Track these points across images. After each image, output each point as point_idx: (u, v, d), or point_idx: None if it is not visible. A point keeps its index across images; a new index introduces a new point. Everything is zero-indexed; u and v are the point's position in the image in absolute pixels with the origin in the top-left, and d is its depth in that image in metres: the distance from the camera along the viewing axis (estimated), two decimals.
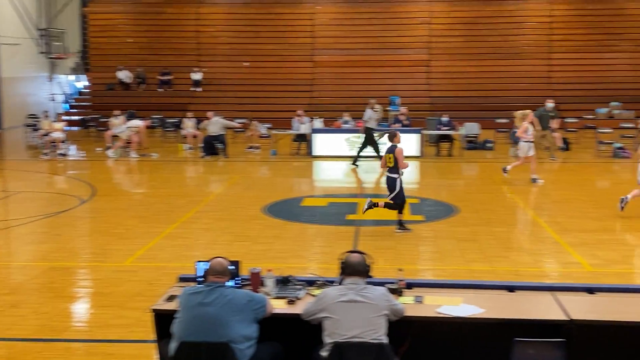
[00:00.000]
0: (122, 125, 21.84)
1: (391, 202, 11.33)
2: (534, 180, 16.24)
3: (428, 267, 9.97)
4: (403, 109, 23.28)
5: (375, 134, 19.59)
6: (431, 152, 21.36)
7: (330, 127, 22.51)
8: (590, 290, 6.07)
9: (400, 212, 11.44)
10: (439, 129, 21.79)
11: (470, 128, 23.02)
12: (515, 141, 21.54)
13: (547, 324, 5.43)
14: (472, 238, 11.21)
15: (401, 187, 11.24)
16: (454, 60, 31.32)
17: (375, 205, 11.35)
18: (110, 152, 21.40)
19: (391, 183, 11.26)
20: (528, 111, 16.88)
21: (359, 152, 19.59)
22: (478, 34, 31.31)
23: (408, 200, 11.85)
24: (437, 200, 14.45)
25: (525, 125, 16.28)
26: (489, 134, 23.63)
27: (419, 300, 5.77)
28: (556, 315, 5.48)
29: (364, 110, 20.14)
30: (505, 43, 31.27)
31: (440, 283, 6.48)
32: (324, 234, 11.74)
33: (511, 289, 6.10)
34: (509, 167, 16.66)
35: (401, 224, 11.53)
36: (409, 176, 18.48)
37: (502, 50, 31.16)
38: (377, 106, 22.24)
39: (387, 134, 11.93)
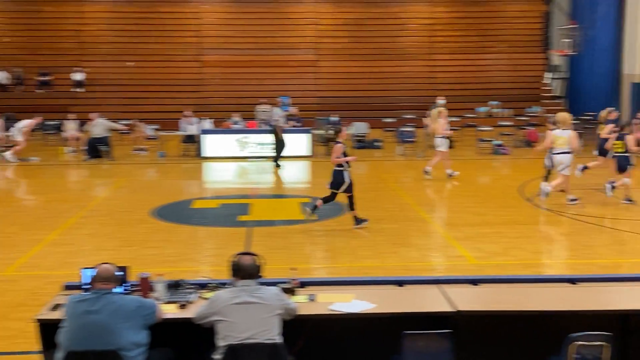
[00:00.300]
0: (14, 128, 20.85)
1: (347, 195, 11.70)
2: (449, 175, 16.82)
3: (321, 265, 10.07)
4: (293, 109, 23.40)
5: (283, 133, 19.55)
6: (321, 151, 21.58)
7: (220, 127, 22.32)
8: (474, 281, 6.31)
9: (352, 208, 11.74)
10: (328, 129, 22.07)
11: (359, 127, 23.44)
12: (403, 140, 22.16)
13: (434, 316, 5.60)
14: (362, 235, 11.41)
15: (349, 180, 11.64)
16: (341, 61, 31.77)
17: (316, 206, 11.74)
18: None
19: (337, 175, 11.65)
20: (442, 108, 17.56)
21: (279, 152, 19.40)
22: (364, 35, 31.89)
23: (300, 200, 11.93)
24: None
25: (442, 122, 16.91)
26: (377, 133, 24.13)
27: (312, 298, 5.81)
28: (443, 307, 5.67)
29: (253, 111, 20.10)
30: (390, 44, 32.00)
31: (333, 280, 6.56)
32: (216, 236, 11.63)
33: (400, 283, 6.25)
34: (429, 168, 17.04)
35: (357, 220, 11.80)
36: (301, 175, 18.64)
37: (387, 51, 31.87)
38: (267, 106, 22.26)
39: (332, 130, 12.35)
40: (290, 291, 5.85)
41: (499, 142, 21.94)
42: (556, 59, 32.90)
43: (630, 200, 13.73)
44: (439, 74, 31.61)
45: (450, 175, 16.83)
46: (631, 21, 28.99)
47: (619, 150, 13.84)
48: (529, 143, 23.01)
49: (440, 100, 21.42)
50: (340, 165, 11.65)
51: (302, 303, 5.66)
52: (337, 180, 11.64)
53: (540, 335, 5.99)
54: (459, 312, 5.56)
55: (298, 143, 20.88)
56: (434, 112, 17.65)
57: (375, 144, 23.14)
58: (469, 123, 26.53)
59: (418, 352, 5.22)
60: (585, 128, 25.03)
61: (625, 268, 9.54)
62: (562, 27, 29.62)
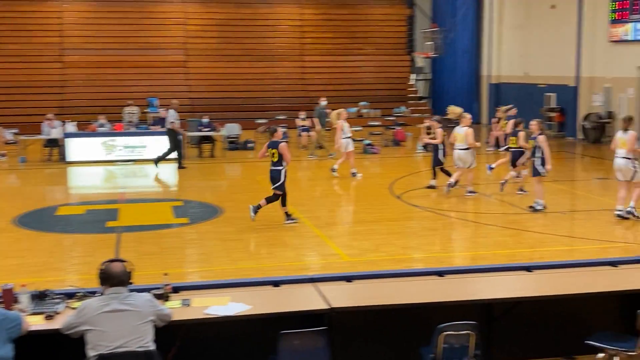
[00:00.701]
0: None
1: (275, 193, 11.90)
2: (353, 174, 16.99)
3: (195, 269, 9.92)
4: (163, 111, 22.90)
5: (178, 136, 19.13)
6: (193, 153, 21.27)
7: (85, 130, 21.50)
8: (349, 278, 6.43)
9: (283, 204, 12.03)
10: (200, 130, 21.78)
11: (231, 129, 23.28)
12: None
13: (310, 314, 5.66)
14: (237, 237, 11.35)
15: (285, 178, 11.82)
16: (211, 62, 31.45)
17: (259, 206, 11.94)
18: None
19: (276, 175, 11.82)
20: (342, 110, 17.93)
21: (165, 155, 18.87)
22: (234, 36, 31.72)
23: (172, 204, 11.71)
24: (201, 202, 14.42)
25: (341, 124, 17.18)
26: (249, 134, 24.07)
27: (186, 303, 5.71)
28: (318, 305, 5.74)
29: (120, 113, 19.47)
30: (261, 45, 32.01)
31: (208, 284, 6.48)
32: (83, 244, 11.20)
33: (276, 283, 6.27)
34: (336, 166, 17.24)
35: (288, 215, 12.07)
36: (172, 178, 18.28)
37: (257, 52, 31.86)
38: (134, 108, 21.69)
39: (268, 130, 12.52)
40: (163, 297, 5.72)
41: (369, 141, 22.48)
42: (420, 60, 34.15)
43: (522, 191, 14.65)
44: (309, 75, 31.97)
45: (354, 175, 17.02)
46: (489, 25, 30.58)
47: (513, 145, 14.70)
48: (397, 142, 23.75)
49: (323, 102, 21.79)
50: (279, 164, 11.79)
51: (176, 308, 5.56)
52: (275, 179, 11.83)
53: (411, 327, 6.19)
54: (333, 309, 5.65)
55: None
56: (333, 114, 18.03)
57: (249, 145, 23.07)
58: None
59: (294, 351, 5.26)
60: (448, 127, 26.12)
61: (488, 259, 10.03)
62: (425, 30, 30.78)
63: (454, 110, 18.25)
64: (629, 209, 12.23)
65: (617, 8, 22.49)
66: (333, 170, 17.33)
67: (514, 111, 17.12)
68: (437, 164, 15.44)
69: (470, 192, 14.56)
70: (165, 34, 31.40)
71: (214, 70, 31.21)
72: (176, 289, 5.95)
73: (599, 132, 23.55)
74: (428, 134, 22.56)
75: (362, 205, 14.09)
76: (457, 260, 9.95)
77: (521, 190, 14.65)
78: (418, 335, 5.94)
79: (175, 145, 18.97)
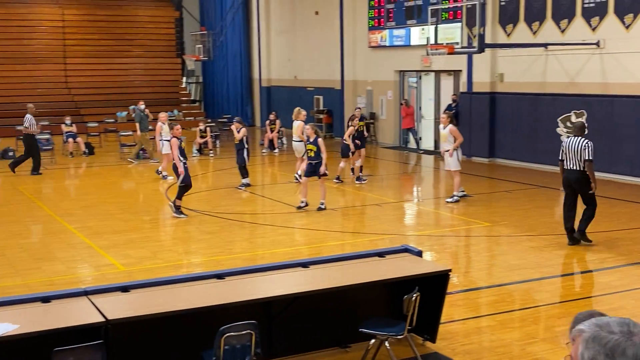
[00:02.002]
0: None
1: (181, 185, 12.84)
2: (164, 177, 17.16)
3: None
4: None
5: (33, 140, 18.53)
6: None
7: None
8: (125, 288, 6.20)
9: (180, 197, 12.72)
10: None
11: None
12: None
13: (85, 329, 5.38)
14: (0, 253, 10.50)
15: (186, 171, 12.80)
16: None
17: (175, 202, 12.80)
18: None
19: (175, 169, 12.96)
20: (162, 113, 18.15)
21: (22, 160, 18.53)
22: None
23: None
24: None
25: (159, 126, 17.52)
26: (10, 142, 22.35)
27: None
28: (93, 318, 5.46)
29: None
30: (19, 47, 29.89)
31: None
32: None
33: (46, 299, 5.88)
34: (160, 168, 17.43)
35: (178, 209, 12.76)
36: None
37: (16, 54, 29.71)
38: None
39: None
40: None
41: (142, 146, 21.89)
42: (191, 64, 33.96)
43: (360, 180, 16.40)
44: (74, 79, 30.47)
45: (164, 177, 17.18)
46: (257, 29, 31.21)
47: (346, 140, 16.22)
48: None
49: (141, 105, 21.00)
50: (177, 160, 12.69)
51: None
52: (177, 172, 12.82)
53: (194, 332, 6.12)
54: (108, 321, 5.41)
55: None
56: (161, 114, 17.95)
57: (8, 153, 21.40)
58: (109, 128, 26.07)
59: None
60: (222, 130, 26.31)
61: (266, 259, 10.22)
62: (194, 32, 30.68)
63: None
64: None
65: (374, 15, 24.05)
66: (158, 172, 17.50)
67: (358, 112, 17.79)
68: (242, 162, 15.80)
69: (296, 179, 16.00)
70: None
71: None
72: None
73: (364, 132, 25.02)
74: (202, 137, 22.57)
75: (137, 212, 13.71)
76: (237, 261, 10.02)
77: (359, 179, 16.41)
78: (201, 340, 5.89)
79: (31, 150, 18.32)
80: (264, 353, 5.66)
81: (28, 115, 18.65)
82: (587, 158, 10.20)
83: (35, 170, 18.30)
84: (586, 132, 11.02)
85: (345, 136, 16.28)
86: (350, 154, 16.23)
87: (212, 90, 34.56)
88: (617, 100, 16.36)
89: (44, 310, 5.68)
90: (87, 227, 12.29)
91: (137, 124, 20.61)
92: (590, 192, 10.36)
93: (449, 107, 20.84)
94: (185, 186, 12.92)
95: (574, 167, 10.33)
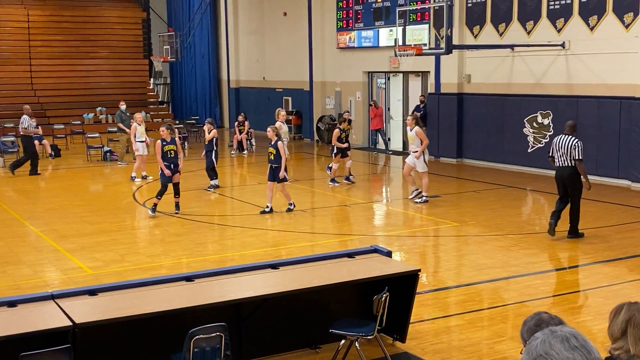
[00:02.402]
0: None
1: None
2: (143, 177, 17.40)
3: None
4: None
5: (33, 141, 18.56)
6: None
7: None
8: (93, 292, 6.13)
9: (159, 197, 13.03)
10: None
11: None
12: (3, 151, 20.57)
13: (52, 333, 5.31)
14: None
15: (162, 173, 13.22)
16: None
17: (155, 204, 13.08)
18: None
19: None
20: (138, 114, 18.18)
21: (23, 162, 18.59)
22: None
23: None
24: None
25: (134, 126, 17.57)
26: None
27: None
28: (60, 322, 5.39)
29: None
30: None
31: None
32: None
33: (12, 304, 5.79)
34: (134, 174, 17.43)
35: (155, 207, 13.05)
36: None
37: None
38: None
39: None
40: None
41: (109, 148, 21.67)
42: (159, 65, 33.68)
43: (337, 179, 16.41)
44: (39, 80, 30.06)
45: (144, 177, 17.47)
46: (225, 30, 31.09)
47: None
48: None
49: (122, 106, 20.78)
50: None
51: None
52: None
53: (163, 335, 6.08)
54: (76, 325, 5.35)
55: None
56: (136, 116, 17.85)
57: None
58: (76, 130, 25.76)
59: None
60: (191, 132, 26.15)
61: (236, 260, 10.18)
62: (162, 33, 30.44)
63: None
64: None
65: (343, 17, 24.11)
66: (132, 178, 17.47)
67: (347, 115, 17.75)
68: (210, 164, 15.84)
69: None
70: None
71: None
72: None
73: (332, 133, 25.06)
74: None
75: (105, 215, 13.56)
76: (206, 263, 9.97)
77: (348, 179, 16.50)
78: (170, 343, 5.84)
79: (28, 151, 18.44)
80: (234, 355, 5.64)
81: (25, 116, 18.63)
82: (577, 158, 10.59)
83: (34, 170, 18.41)
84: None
85: (333, 140, 16.48)
86: (333, 155, 16.53)
87: (180, 91, 34.34)
88: (581, 100, 16.61)
89: (10, 315, 5.59)
90: (53, 230, 12.12)
91: (121, 124, 20.42)
92: (579, 194, 10.84)
93: (416, 108, 20.98)
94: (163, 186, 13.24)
95: (565, 164, 10.73)
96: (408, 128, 14.15)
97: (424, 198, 14.06)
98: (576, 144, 10.59)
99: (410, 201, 14.20)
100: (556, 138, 11.05)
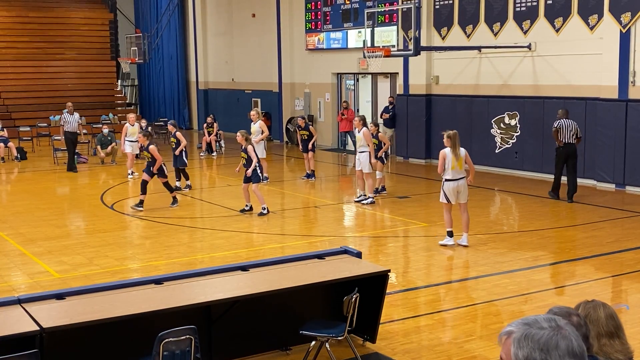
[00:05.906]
0: None
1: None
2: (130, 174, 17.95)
3: None
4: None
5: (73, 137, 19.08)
6: None
7: None
8: (60, 296, 6.06)
9: (143, 192, 13.57)
10: None
11: None
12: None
13: (19, 338, 5.23)
14: None
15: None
16: None
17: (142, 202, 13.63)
18: None
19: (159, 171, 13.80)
20: (131, 114, 18.96)
21: (74, 157, 19.33)
22: None
23: None
24: None
25: (125, 126, 18.26)
26: None
27: None
28: (27, 327, 5.32)
29: None
30: None
31: None
32: None
33: None
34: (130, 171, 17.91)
35: (141, 203, 13.57)
36: None
37: None
38: None
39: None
40: None
41: (77, 150, 21.41)
42: (126, 66, 33.40)
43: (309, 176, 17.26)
44: (4, 82, 29.58)
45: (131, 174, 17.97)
46: (193, 31, 30.93)
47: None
48: None
49: (105, 130, 20.93)
50: (152, 164, 13.58)
51: None
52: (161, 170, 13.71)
53: (132, 339, 6.03)
54: (43, 329, 5.28)
55: None
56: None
57: None
58: (42, 132, 25.43)
59: None
60: (159, 133, 25.96)
61: (205, 263, 10.13)
62: (129, 35, 30.17)
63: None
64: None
65: (311, 18, 24.13)
66: (130, 174, 17.95)
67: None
68: (181, 164, 15.94)
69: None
70: None
71: None
72: None
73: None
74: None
75: (72, 218, 13.41)
76: (175, 266, 9.90)
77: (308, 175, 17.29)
78: (140, 346, 5.79)
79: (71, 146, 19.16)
80: (204, 358, 5.62)
81: (66, 114, 19.24)
82: (580, 136, 14.00)
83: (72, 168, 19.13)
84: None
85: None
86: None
87: (148, 93, 34.07)
88: (548, 101, 16.84)
89: None
90: (19, 233, 11.95)
91: (99, 147, 20.74)
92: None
93: (385, 109, 21.07)
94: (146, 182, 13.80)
95: (571, 141, 13.84)
96: (356, 130, 14.24)
97: (370, 199, 14.15)
98: (576, 125, 13.88)
99: (357, 204, 14.24)
100: (563, 122, 13.83)
